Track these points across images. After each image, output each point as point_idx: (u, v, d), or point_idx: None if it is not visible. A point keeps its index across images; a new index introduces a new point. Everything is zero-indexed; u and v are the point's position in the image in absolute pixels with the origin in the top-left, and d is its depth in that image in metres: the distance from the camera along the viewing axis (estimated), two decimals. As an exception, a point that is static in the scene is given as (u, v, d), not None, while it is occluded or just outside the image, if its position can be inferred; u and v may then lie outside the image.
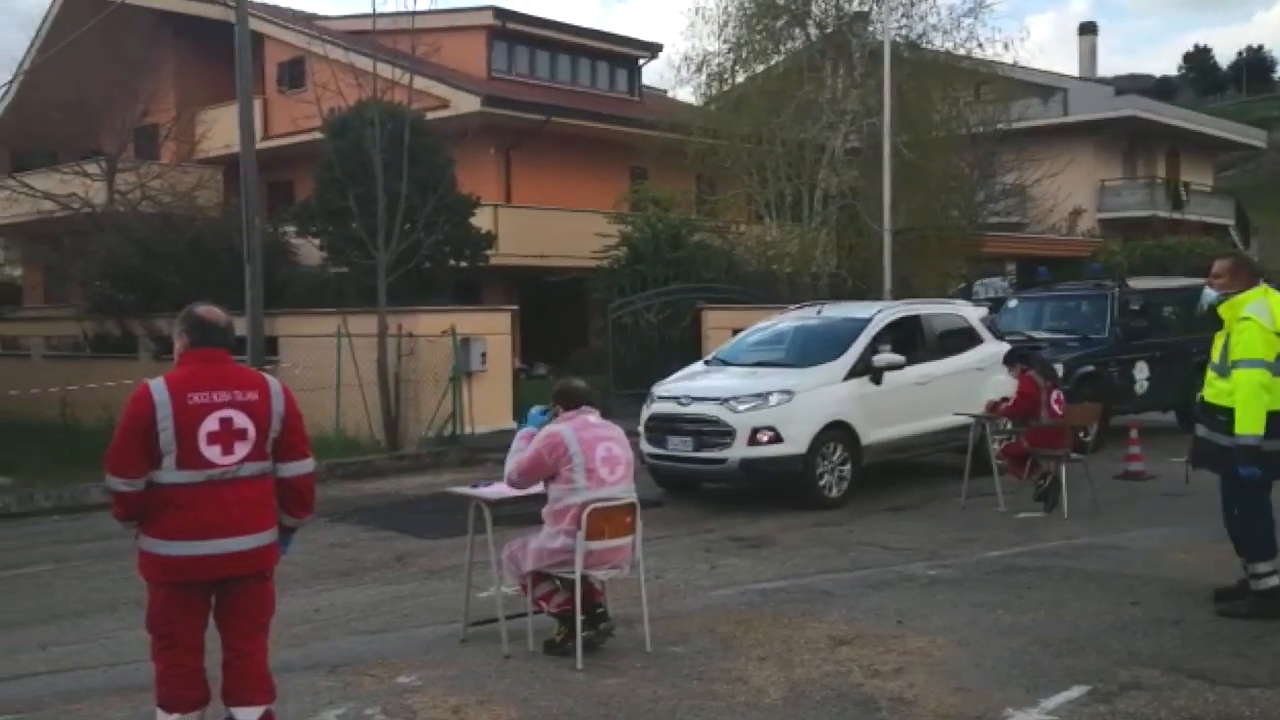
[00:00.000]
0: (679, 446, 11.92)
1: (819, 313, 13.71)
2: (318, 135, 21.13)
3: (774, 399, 11.57)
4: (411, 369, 16.87)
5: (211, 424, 4.85)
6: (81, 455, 15.15)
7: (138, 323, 20.88)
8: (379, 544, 10.50)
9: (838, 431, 11.72)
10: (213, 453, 4.84)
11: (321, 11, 31.45)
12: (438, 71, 23.95)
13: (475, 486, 7.23)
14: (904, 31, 25.23)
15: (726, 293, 21.36)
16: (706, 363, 13.75)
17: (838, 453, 11.71)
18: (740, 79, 26.11)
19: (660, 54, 32.56)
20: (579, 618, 6.43)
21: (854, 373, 12.09)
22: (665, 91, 32.66)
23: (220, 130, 27.49)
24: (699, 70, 26.02)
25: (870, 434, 12.01)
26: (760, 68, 26.18)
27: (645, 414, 12.47)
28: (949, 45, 25.67)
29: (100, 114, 26.41)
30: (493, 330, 17.82)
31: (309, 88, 23.79)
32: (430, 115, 21.62)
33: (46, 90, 26.68)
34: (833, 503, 11.55)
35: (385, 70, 18.36)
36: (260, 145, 20.23)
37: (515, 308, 19.76)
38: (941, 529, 10.45)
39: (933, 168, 25.11)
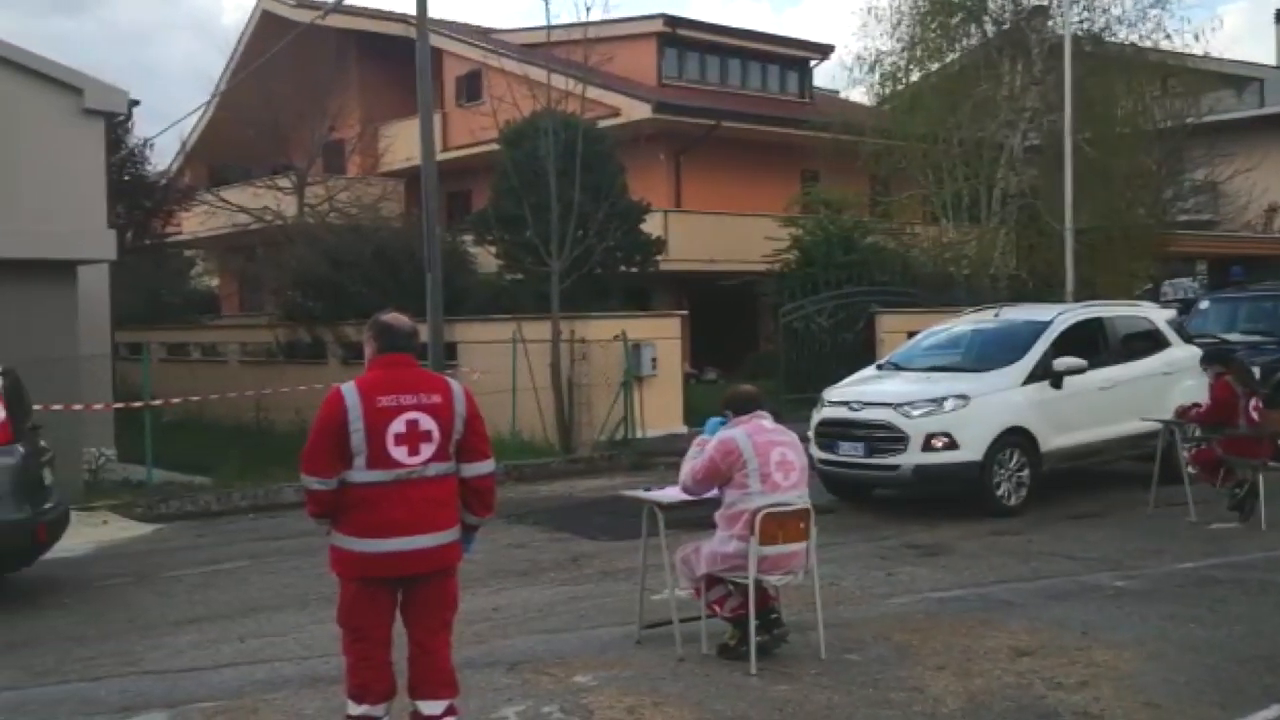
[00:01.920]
0: (850, 452, 11.76)
1: (996, 315, 13.38)
2: (494, 146, 21.66)
3: (949, 404, 11.34)
4: (584, 374, 17.14)
5: (399, 426, 5.02)
6: (274, 457, 15.88)
7: (326, 329, 21.75)
8: (554, 545, 10.70)
9: (1016, 437, 11.41)
10: (400, 453, 5.01)
11: (497, 25, 32.11)
12: (609, 80, 24.26)
13: (648, 490, 7.30)
14: (1085, 25, 24.39)
15: (901, 296, 21.02)
16: (879, 367, 13.55)
17: (1015, 459, 11.39)
18: (914, 78, 25.64)
19: (831, 55, 32.24)
20: (753, 622, 6.43)
21: (1033, 377, 11.76)
22: (837, 92, 32.33)
23: (402, 144, 28.44)
24: (872, 70, 25.64)
25: (1050, 440, 11.65)
26: (935, 66, 25.64)
27: (815, 419, 12.36)
28: (1134, 38, 24.70)
29: (290, 131, 27.65)
30: (663, 335, 17.96)
31: (486, 100, 24.46)
32: (602, 123, 21.91)
33: (241, 109, 28.14)
34: (1010, 510, 11.24)
35: (558, 80, 18.69)
36: (439, 157, 20.85)
37: (685, 312, 19.86)
38: (1128, 538, 10.08)
39: (1117, 165, 24.17)
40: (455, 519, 5.20)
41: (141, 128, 26.77)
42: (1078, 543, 10.01)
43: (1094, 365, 12.12)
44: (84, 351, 14.25)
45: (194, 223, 30.80)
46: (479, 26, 32.93)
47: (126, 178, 25.00)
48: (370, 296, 20.31)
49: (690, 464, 6.72)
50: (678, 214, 25.28)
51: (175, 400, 16.94)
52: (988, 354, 12.44)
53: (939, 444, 11.18)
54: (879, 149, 24.19)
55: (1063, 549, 9.75)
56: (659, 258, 22.42)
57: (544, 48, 19.94)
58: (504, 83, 19.72)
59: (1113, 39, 24.75)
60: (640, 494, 7.25)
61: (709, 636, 6.81)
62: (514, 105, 18.90)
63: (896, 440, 11.31)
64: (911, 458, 11.23)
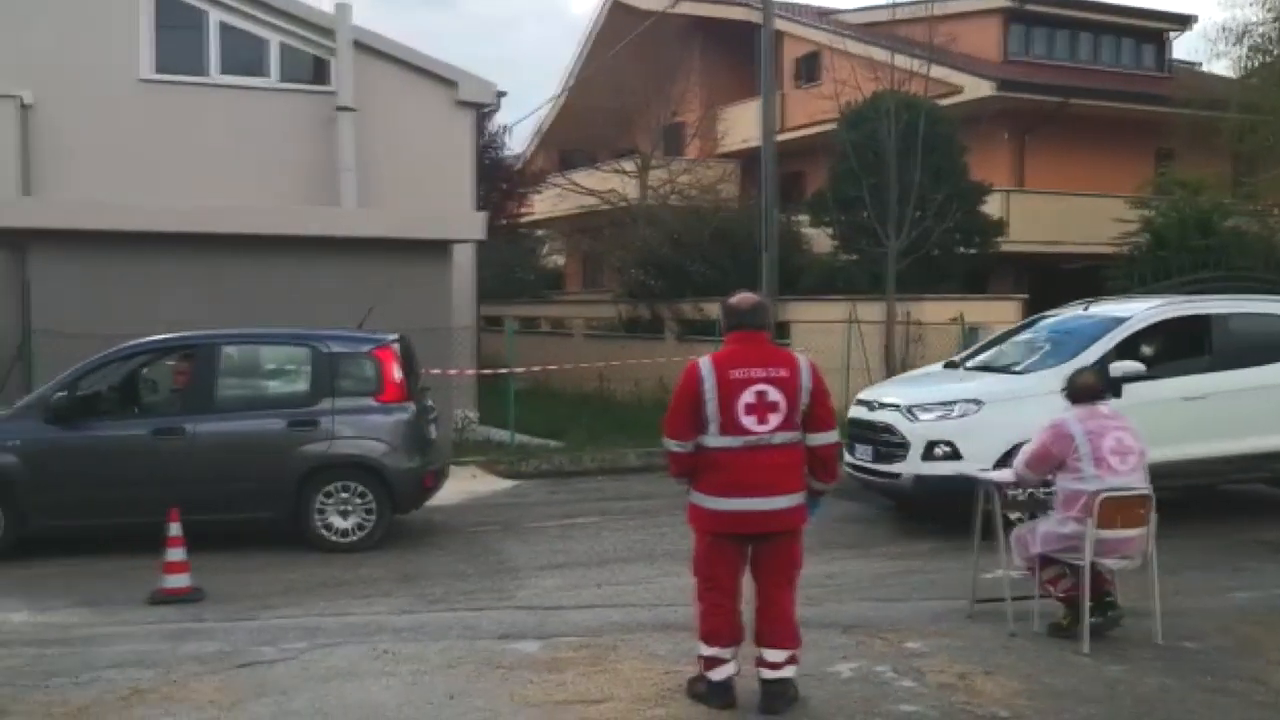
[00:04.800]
0: (863, 455, 10.65)
1: (1086, 309, 11.62)
2: (829, 127, 21.90)
3: (958, 409, 10.11)
4: (918, 356, 17.17)
5: (748, 396, 5.52)
6: (616, 425, 16.92)
7: (665, 307, 22.74)
8: (884, 520, 10.98)
9: None
10: (749, 421, 5.51)
11: (839, 6, 32.19)
12: (951, 58, 23.93)
13: (984, 471, 7.47)
14: None
15: (1262, 283, 19.67)
16: (946, 364, 12.24)
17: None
18: (1286, 48, 23.75)
19: (1192, 26, 30.24)
20: (1086, 603, 6.52)
21: None
22: (1197, 65, 30.38)
23: (740, 126, 29.14)
24: (1238, 42, 23.94)
25: None
26: (1312, 34, 23.66)
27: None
28: None
29: (635, 116, 28.91)
30: (1001, 319, 17.64)
31: (823, 81, 24.71)
32: (942, 102, 21.71)
33: (590, 96, 29.67)
34: None
35: (900, 60, 18.71)
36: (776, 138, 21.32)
37: (1025, 296, 19.45)
38: None
39: None
40: (800, 484, 5.65)
41: (498, 113, 28.64)
42: None
43: (1184, 371, 10.45)
44: (455, 323, 15.68)
45: (544, 205, 32.84)
46: (819, 8, 33.11)
47: (486, 162, 26.99)
48: (708, 276, 21.17)
49: (1023, 450, 6.86)
50: (1020, 194, 24.64)
51: (535, 368, 18.31)
52: (1044, 354, 10.91)
53: (940, 453, 9.94)
54: (1244, 125, 22.65)
55: None
56: (999, 239, 22.01)
57: (885, 27, 19.99)
58: (843, 64, 19.92)
59: None
60: (978, 473, 7.45)
61: (1041, 615, 6.94)
62: (855, 87, 19.07)
63: (899, 446, 10.18)
64: (912, 466, 10.09)
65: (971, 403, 10.08)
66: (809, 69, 29.21)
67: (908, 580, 8.49)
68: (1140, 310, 10.84)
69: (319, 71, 18.02)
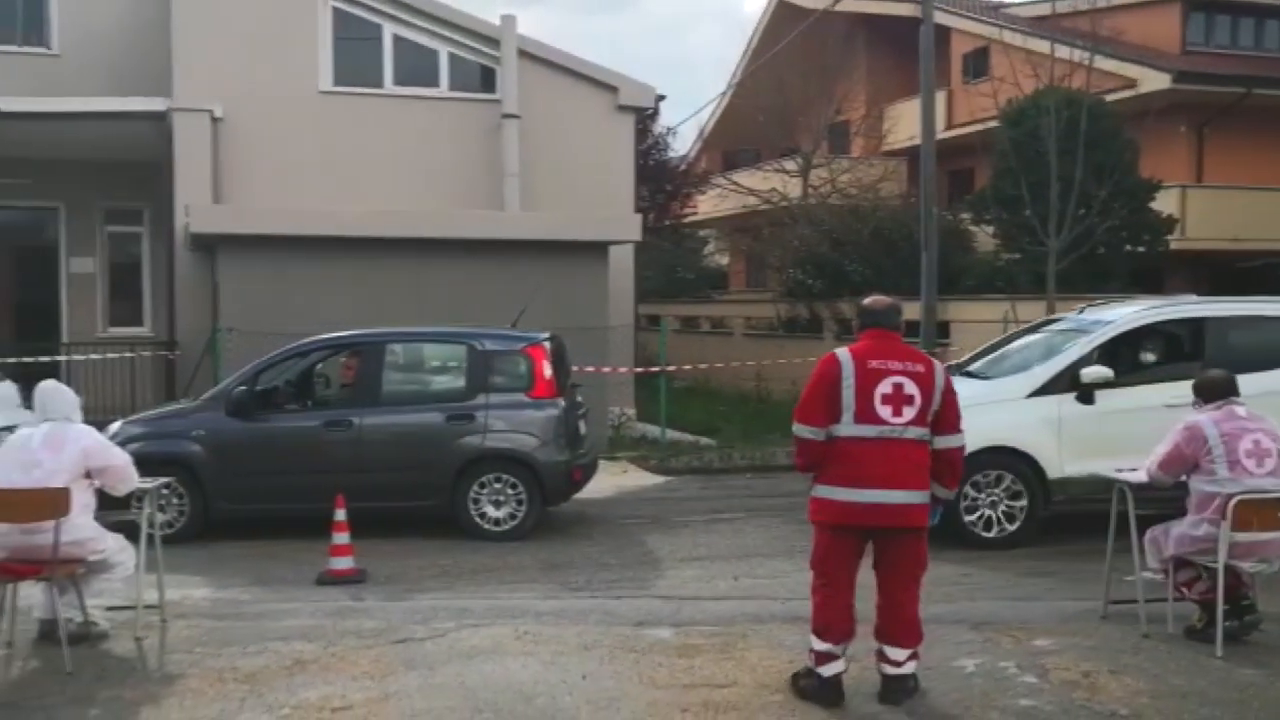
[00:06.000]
0: None
1: (1081, 312, 11.13)
2: (997, 124, 21.55)
3: None
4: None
5: (885, 387, 5.65)
6: (770, 424, 17.10)
7: (824, 306, 22.76)
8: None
9: (1003, 459, 9.57)
10: (885, 412, 5.63)
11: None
12: (1123, 50, 23.26)
13: (1119, 471, 7.42)
14: None
15: None
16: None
17: (1004, 485, 9.66)
18: None
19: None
20: (1220, 606, 6.45)
21: (1048, 389, 9.78)
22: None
23: (906, 123, 28.86)
24: None
25: (1068, 466, 9.55)
26: None
27: None
28: None
29: (798, 115, 28.94)
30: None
31: (991, 77, 24.30)
32: (1113, 97, 21.12)
33: (754, 95, 29.82)
34: (990, 543, 9.60)
35: (1070, 54, 18.31)
36: (942, 136, 21.12)
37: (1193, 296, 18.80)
38: None
39: None
40: (924, 483, 5.72)
41: (665, 114, 29.17)
42: None
43: (1171, 376, 9.61)
44: (611, 323, 16.09)
45: (708, 205, 33.13)
46: (989, 2, 32.48)
47: (650, 164, 27.44)
48: (866, 275, 21.12)
49: (1155, 451, 6.81)
50: (1197, 190, 23.73)
51: (686, 367, 18.62)
52: (1021, 360, 10.55)
53: None
54: None
55: None
56: (1170, 237, 21.27)
57: (1053, 20, 19.60)
58: (1008, 59, 19.59)
59: None
60: (1111, 474, 7.40)
61: (1176, 618, 6.88)
62: (1015, 85, 18.78)
63: None
64: None
65: None
66: (977, 65, 28.71)
67: (1044, 580, 8.48)
68: (1127, 313, 10.39)
69: (485, 80, 18.68)
